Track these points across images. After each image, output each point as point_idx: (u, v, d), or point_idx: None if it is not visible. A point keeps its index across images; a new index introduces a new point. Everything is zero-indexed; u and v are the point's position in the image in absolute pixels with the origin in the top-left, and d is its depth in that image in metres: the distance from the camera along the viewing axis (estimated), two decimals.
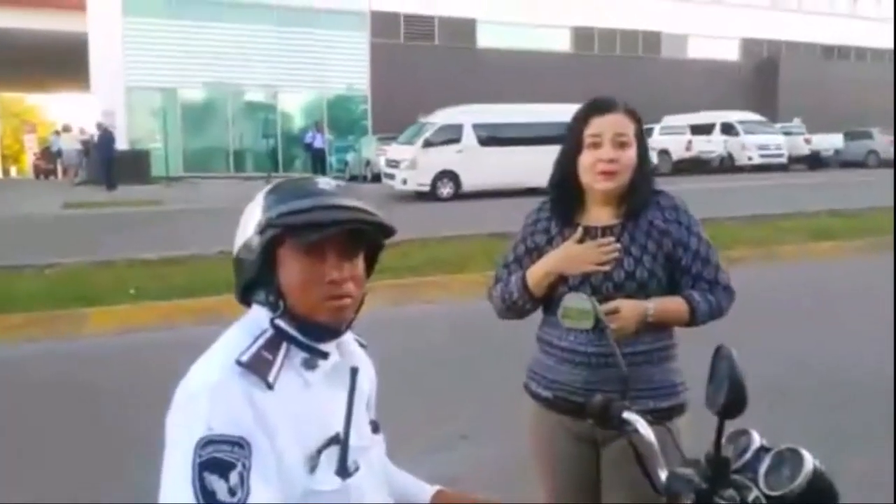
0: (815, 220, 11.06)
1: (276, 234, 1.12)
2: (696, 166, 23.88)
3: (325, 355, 1.16)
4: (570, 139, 1.90)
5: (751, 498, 1.23)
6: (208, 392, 1.02)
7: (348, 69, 26.10)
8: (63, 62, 24.45)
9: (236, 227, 1.22)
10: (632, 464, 1.44)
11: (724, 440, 1.33)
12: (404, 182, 16.41)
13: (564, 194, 1.95)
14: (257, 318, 1.15)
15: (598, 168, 1.84)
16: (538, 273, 1.91)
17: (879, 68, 33.53)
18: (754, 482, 1.26)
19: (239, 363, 1.05)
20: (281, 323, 1.13)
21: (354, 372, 1.18)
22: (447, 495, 1.39)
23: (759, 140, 24.53)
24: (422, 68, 25.75)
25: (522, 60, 27.29)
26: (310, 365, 1.14)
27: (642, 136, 1.89)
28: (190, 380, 1.07)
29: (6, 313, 6.07)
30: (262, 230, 1.12)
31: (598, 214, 1.92)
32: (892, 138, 26.28)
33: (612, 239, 1.87)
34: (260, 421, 1.02)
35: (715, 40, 31.71)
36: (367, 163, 22.20)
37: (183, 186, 19.08)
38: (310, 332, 1.14)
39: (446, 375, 4.85)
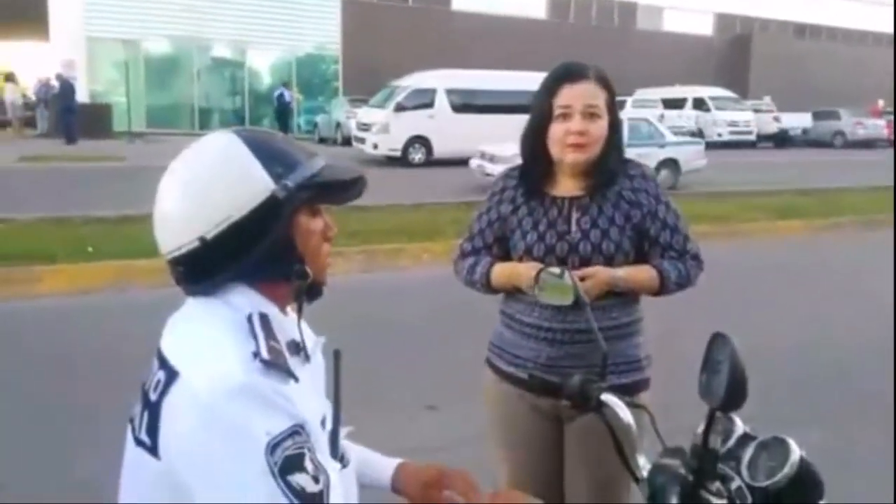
0: (781, 198, 11.17)
1: (309, 197, 1.06)
2: None
3: (297, 346, 1.09)
4: (539, 108, 1.84)
5: (733, 487, 1.18)
6: (245, 397, 0.93)
7: (319, 28, 25.49)
8: (21, 9, 23.40)
9: None
10: (597, 441, 1.39)
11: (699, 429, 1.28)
12: (375, 146, 16.18)
13: (533, 164, 1.90)
14: (237, 304, 1.03)
15: (567, 140, 1.80)
16: (501, 278, 1.89)
17: (850, 49, 33.90)
18: (737, 471, 1.20)
19: (262, 360, 0.96)
20: (259, 304, 1.04)
21: (338, 355, 1.14)
22: (409, 468, 1.32)
23: (730, 116, 24.68)
24: (394, 30, 25.28)
25: (497, 25, 26.95)
26: (294, 351, 1.07)
27: (613, 106, 1.84)
28: (205, 388, 0.94)
29: None
30: (288, 193, 1.03)
31: (567, 185, 1.88)
32: (859, 120, 26.68)
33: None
34: (296, 408, 0.98)
35: (690, 14, 31.66)
36: (338, 125, 21.80)
37: (145, 142, 18.54)
38: (310, 296, 1.10)
39: (415, 344, 4.78)
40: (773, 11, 33.04)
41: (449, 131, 15.90)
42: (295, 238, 1.06)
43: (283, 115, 22.53)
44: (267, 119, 25.05)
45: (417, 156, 16.24)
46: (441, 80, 16.70)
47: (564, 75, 1.81)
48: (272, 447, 0.92)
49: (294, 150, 1.09)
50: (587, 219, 1.82)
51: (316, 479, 0.95)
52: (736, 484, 1.18)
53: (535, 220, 1.87)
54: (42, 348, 4.53)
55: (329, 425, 1.11)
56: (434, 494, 1.25)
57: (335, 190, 1.10)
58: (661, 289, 1.84)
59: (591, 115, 1.78)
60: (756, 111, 25.72)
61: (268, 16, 24.31)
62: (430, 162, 16.08)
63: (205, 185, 1.02)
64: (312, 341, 1.14)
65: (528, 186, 1.90)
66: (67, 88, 18.54)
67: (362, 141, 16.65)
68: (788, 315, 5.66)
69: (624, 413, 1.39)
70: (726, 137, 24.30)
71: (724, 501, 1.09)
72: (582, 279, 1.71)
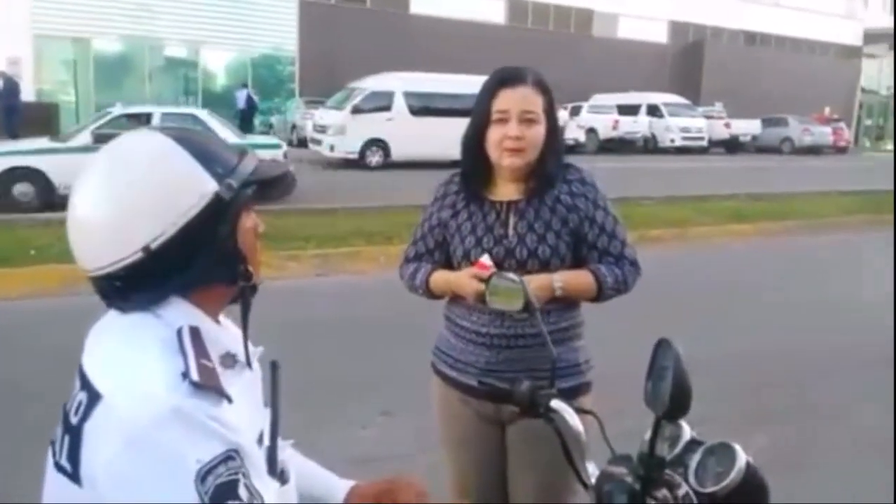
0: (732, 202, 11.42)
1: (249, 196, 1.02)
2: (621, 146, 24.34)
3: (232, 358, 1.04)
4: (478, 112, 1.83)
5: (680, 493, 1.18)
6: (173, 422, 0.87)
7: (276, 28, 25.16)
8: None
9: None
10: (540, 444, 1.38)
11: (647, 435, 1.27)
12: (332, 148, 16.04)
13: (473, 168, 1.89)
14: (166, 317, 0.97)
15: (504, 145, 1.79)
16: (440, 283, 1.90)
17: (798, 57, 34.90)
18: (684, 477, 1.20)
19: (191, 382, 0.89)
20: (190, 316, 0.98)
21: (275, 367, 1.09)
22: (361, 488, 1.28)
23: (682, 123, 25.19)
24: (352, 32, 25.13)
25: (455, 29, 27.01)
26: (227, 363, 1.01)
27: (552, 110, 1.83)
28: (130, 413, 0.87)
29: None
30: (233, 192, 0.98)
31: (506, 190, 1.87)
32: (806, 126, 27.50)
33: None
34: (229, 428, 0.91)
35: (645, 21, 32.21)
36: (293, 126, 21.61)
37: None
38: (243, 299, 1.06)
39: (369, 349, 4.73)
40: (725, 20, 33.85)
41: (407, 134, 15.86)
42: (238, 239, 1.02)
43: (248, 116, 22.12)
44: (224, 119, 24.64)
45: (375, 158, 16.14)
46: (399, 82, 16.63)
47: (502, 80, 1.81)
48: (203, 475, 0.86)
49: (226, 148, 1.05)
50: (524, 223, 1.82)
51: None
52: (683, 490, 1.18)
53: (474, 225, 1.87)
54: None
55: (266, 441, 1.06)
56: None
57: (271, 186, 1.06)
58: (599, 294, 1.83)
59: (528, 120, 1.78)
60: (708, 117, 26.31)
61: (223, 15, 23.93)
62: (388, 164, 16.01)
63: (144, 191, 0.94)
64: (251, 350, 1.09)
65: (467, 191, 1.90)
66: (11, 86, 17.96)
67: (318, 143, 16.48)
68: (740, 318, 5.76)
69: (573, 420, 1.38)
70: (679, 143, 24.81)
71: None
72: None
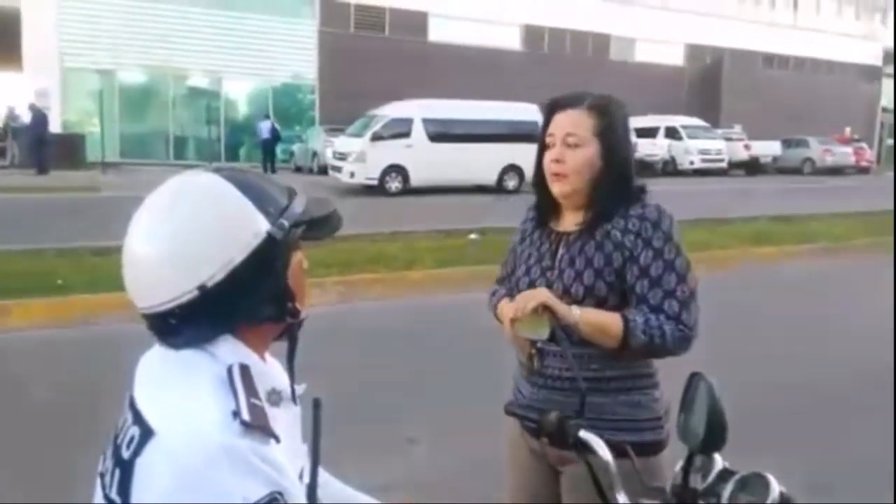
0: (754, 224, 11.32)
1: (300, 235, 1.05)
2: (640, 169, 23.81)
3: (278, 394, 1.06)
4: (539, 139, 1.80)
5: None
6: (224, 461, 0.89)
7: (296, 57, 25.61)
8: None
9: None
10: (591, 491, 1.35)
11: (678, 466, 1.27)
12: (352, 175, 16.19)
13: (540, 196, 1.85)
14: (218, 354, 0.99)
15: (550, 169, 1.74)
16: (501, 312, 1.81)
17: (817, 78, 34.74)
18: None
19: (242, 422, 0.92)
20: (240, 354, 1.00)
21: (318, 404, 1.09)
22: None
23: (701, 145, 25.14)
24: (371, 60, 25.44)
25: (473, 56, 27.25)
26: (274, 400, 1.03)
27: (611, 134, 1.71)
28: (183, 451, 0.90)
29: None
30: (285, 233, 1.01)
31: (567, 220, 1.80)
32: (827, 147, 27.30)
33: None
34: (276, 468, 0.94)
35: (661, 45, 32.30)
36: (314, 154, 21.84)
37: (119, 173, 18.37)
38: (290, 335, 1.09)
39: (393, 376, 4.72)
40: (743, 42, 33.84)
41: (425, 160, 15.98)
42: (287, 276, 1.04)
43: (271, 146, 22.41)
44: (243, 149, 25.00)
45: (394, 184, 16.26)
46: (418, 109, 16.78)
47: (555, 104, 1.78)
48: None
49: (276, 188, 1.07)
50: (568, 257, 1.74)
51: None
52: None
53: (530, 253, 1.84)
54: (9, 381, 4.41)
55: (307, 478, 1.07)
56: None
57: (320, 225, 1.09)
58: (625, 338, 1.62)
59: (569, 143, 1.70)
60: (727, 139, 26.23)
61: (244, 46, 24.39)
62: (407, 191, 16.11)
63: (200, 230, 0.97)
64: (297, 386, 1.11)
65: (536, 218, 1.87)
66: (40, 118, 18.36)
67: (339, 170, 16.65)
68: (766, 342, 5.70)
69: (602, 451, 1.38)
70: (698, 165, 24.74)
71: None
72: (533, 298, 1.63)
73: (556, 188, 1.74)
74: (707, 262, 8.46)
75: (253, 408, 0.93)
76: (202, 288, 0.96)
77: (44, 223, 9.74)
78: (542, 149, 1.78)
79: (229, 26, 24.13)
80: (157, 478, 0.90)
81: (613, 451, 1.40)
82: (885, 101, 37.44)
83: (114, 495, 0.95)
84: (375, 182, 16.11)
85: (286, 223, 1.01)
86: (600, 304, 1.69)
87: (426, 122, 16.56)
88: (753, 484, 1.19)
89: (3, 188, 14.00)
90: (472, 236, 9.49)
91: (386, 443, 3.75)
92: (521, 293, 1.69)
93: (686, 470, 1.12)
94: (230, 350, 1.00)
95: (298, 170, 22.98)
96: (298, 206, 1.05)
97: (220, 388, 0.95)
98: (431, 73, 24.92)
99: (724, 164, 25.28)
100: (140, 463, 0.92)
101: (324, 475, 1.19)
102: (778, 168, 26.93)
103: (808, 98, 32.45)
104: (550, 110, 1.78)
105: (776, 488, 1.16)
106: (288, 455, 0.99)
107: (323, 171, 19.36)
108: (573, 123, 1.71)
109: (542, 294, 1.64)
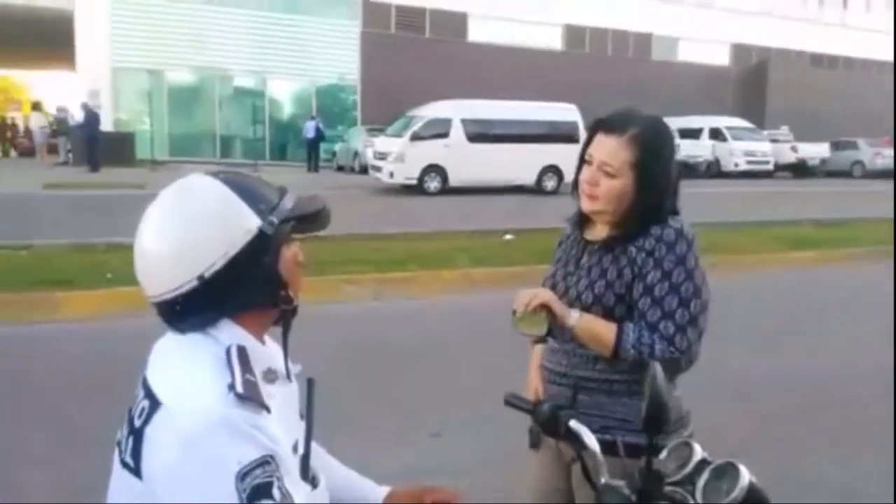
0: (796, 228, 11.15)
1: (290, 228, 1.17)
2: (683, 171, 23.84)
3: (274, 373, 1.18)
4: (581, 151, 1.87)
5: None
6: (220, 429, 1.03)
7: (338, 58, 26.00)
8: (49, 39, 24.11)
9: None
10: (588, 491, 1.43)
11: (662, 455, 1.36)
12: (391, 175, 16.38)
13: (578, 204, 1.92)
14: (218, 337, 1.13)
15: (583, 187, 1.83)
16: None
17: (867, 78, 33.81)
18: (692, 494, 1.28)
19: (237, 395, 1.05)
20: (238, 336, 1.14)
21: (311, 384, 1.23)
22: (397, 491, 1.41)
23: (747, 146, 24.70)
24: (412, 60, 25.69)
25: (513, 56, 27.30)
26: (269, 378, 1.17)
27: (647, 164, 1.76)
28: (185, 420, 1.04)
29: None
30: (275, 228, 1.14)
31: (596, 229, 1.89)
32: (878, 150, 26.55)
33: None
34: (268, 436, 1.06)
35: (705, 44, 31.85)
36: (356, 154, 22.13)
37: (168, 170, 18.91)
38: (284, 320, 1.20)
39: (421, 371, 4.85)
40: (790, 41, 33.15)
41: (464, 160, 16.10)
42: (279, 268, 1.17)
43: (315, 145, 22.83)
44: (290, 147, 25.43)
45: (433, 184, 16.41)
46: (457, 110, 16.91)
47: (599, 124, 1.83)
48: (242, 475, 1.01)
49: (268, 188, 1.20)
50: (587, 266, 1.84)
51: None
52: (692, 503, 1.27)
53: (561, 256, 1.95)
54: (60, 372, 4.67)
55: (301, 449, 1.20)
56: None
57: (309, 221, 1.22)
58: (617, 347, 1.72)
59: (605, 172, 1.76)
60: (773, 141, 25.72)
61: (288, 46, 24.88)
62: (446, 190, 16.25)
63: (198, 227, 1.10)
64: (290, 367, 1.24)
65: (574, 223, 1.96)
66: (92, 117, 19.01)
67: (378, 169, 16.87)
68: (796, 343, 5.67)
69: (589, 440, 1.48)
70: (743, 167, 24.33)
71: None
72: (535, 297, 1.74)
73: (587, 206, 1.83)
74: (742, 265, 8.42)
75: (247, 382, 1.07)
76: (201, 278, 1.09)
77: (95, 218, 10.13)
78: (582, 161, 1.85)
79: (274, 27, 24.65)
80: (163, 443, 1.04)
81: (605, 448, 1.48)
82: None
83: (128, 459, 1.09)
84: (415, 182, 16.28)
85: (276, 220, 1.14)
86: (607, 313, 1.76)
87: (465, 122, 16.66)
88: (726, 472, 1.28)
89: (58, 184, 14.58)
90: (507, 237, 9.57)
91: (409, 436, 3.88)
92: (526, 291, 1.79)
93: (648, 455, 1.22)
94: (229, 333, 1.13)
95: (340, 169, 23.32)
96: (288, 204, 1.17)
97: (218, 366, 1.08)
98: (472, 74, 25.05)
99: (769, 167, 24.80)
100: (149, 431, 1.06)
101: (327, 457, 1.33)
102: (827, 171, 26.28)
103: (858, 99, 31.61)
104: (594, 129, 1.84)
105: (745, 477, 1.25)
106: (283, 427, 1.13)
107: (364, 170, 19.64)
108: (611, 153, 1.76)
109: (543, 295, 1.75)
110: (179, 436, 1.03)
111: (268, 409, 1.08)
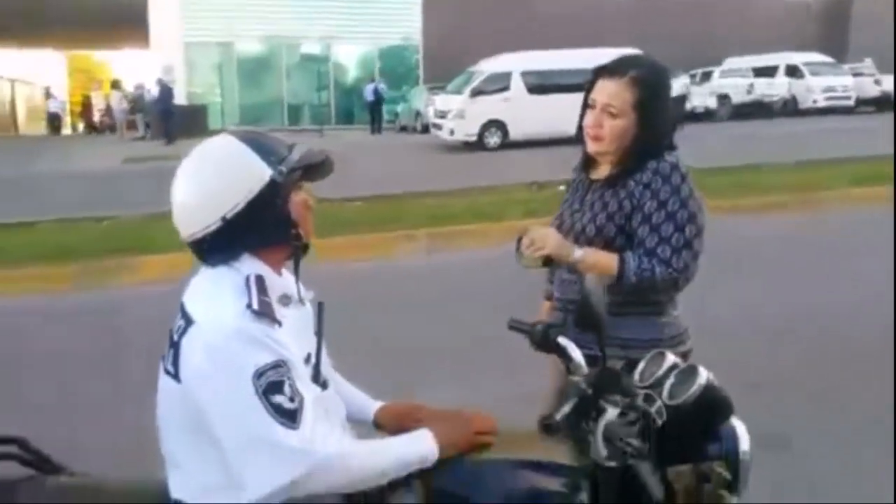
0: (865, 164, 10.64)
1: (298, 177, 1.40)
2: (757, 110, 23.05)
3: (288, 298, 1.42)
4: (584, 97, 2.01)
5: (654, 407, 1.41)
6: (237, 337, 1.26)
7: (401, 18, 25.91)
8: (125, 19, 25.06)
9: None
10: None
11: (642, 364, 1.50)
12: (452, 132, 16.44)
13: (583, 147, 2.08)
14: (240, 268, 1.37)
15: (587, 131, 1.98)
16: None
17: None
18: (659, 394, 1.42)
19: (252, 311, 1.29)
20: (257, 268, 1.37)
21: (321, 305, 1.48)
22: (388, 406, 1.62)
23: (826, 82, 23.45)
24: (475, 16, 25.37)
25: (577, 5, 26.55)
26: (284, 302, 1.41)
27: (647, 104, 1.90)
28: (210, 332, 1.28)
29: (60, 263, 6.51)
30: (284, 176, 1.37)
31: (601, 169, 2.05)
32: None
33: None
34: (280, 345, 1.30)
35: None
36: (417, 114, 22.22)
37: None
38: (297, 255, 1.43)
39: (478, 321, 4.99)
40: None
41: (524, 114, 15.94)
42: (290, 211, 1.40)
43: (376, 107, 23.10)
44: (357, 110, 25.61)
45: (493, 139, 16.36)
46: (516, 62, 16.69)
47: (600, 70, 1.97)
48: (258, 374, 1.26)
49: (279, 143, 1.45)
50: (590, 202, 2.00)
51: (292, 400, 1.26)
52: (657, 404, 1.41)
53: (568, 197, 2.13)
54: (146, 330, 5.06)
55: (313, 359, 1.44)
56: (406, 424, 1.52)
57: (314, 170, 1.46)
58: (620, 276, 1.88)
59: (609, 113, 1.90)
60: (856, 75, 24.30)
61: (351, 11, 24.93)
62: (506, 145, 16.18)
63: (219, 177, 1.36)
64: (304, 291, 1.49)
65: (580, 165, 2.13)
66: (166, 92, 19.82)
67: (439, 128, 16.95)
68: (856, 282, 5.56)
69: (575, 354, 1.62)
70: (822, 104, 23.13)
71: (618, 409, 1.31)
72: (533, 243, 1.91)
73: (593, 148, 1.99)
74: (806, 203, 8.18)
75: (262, 302, 1.32)
76: (224, 219, 1.35)
77: (170, 188, 10.67)
78: (585, 107, 1.99)
79: None
80: (195, 352, 1.30)
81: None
82: None
83: (169, 367, 1.36)
84: (475, 138, 16.27)
85: (284, 169, 1.38)
86: (608, 243, 1.93)
87: (525, 74, 16.47)
88: (687, 374, 1.41)
89: (137, 158, 15.37)
90: (562, 188, 9.54)
91: (440, 384, 3.98)
92: (534, 234, 1.94)
93: (602, 352, 1.37)
94: (249, 265, 1.39)
95: (403, 129, 23.48)
96: (295, 156, 1.41)
97: (239, 290, 1.34)
98: (538, 25, 24.51)
99: (850, 102, 23.50)
100: (184, 342, 1.32)
101: (331, 368, 1.56)
102: None
103: None
104: (595, 75, 1.98)
105: (703, 376, 1.38)
106: (297, 342, 1.37)
107: (426, 129, 19.72)
108: (613, 95, 1.90)
109: (550, 245, 1.90)
110: (205, 344, 1.28)
111: (279, 324, 1.32)
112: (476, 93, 16.34)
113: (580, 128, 2.02)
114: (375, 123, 22.74)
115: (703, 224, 1.93)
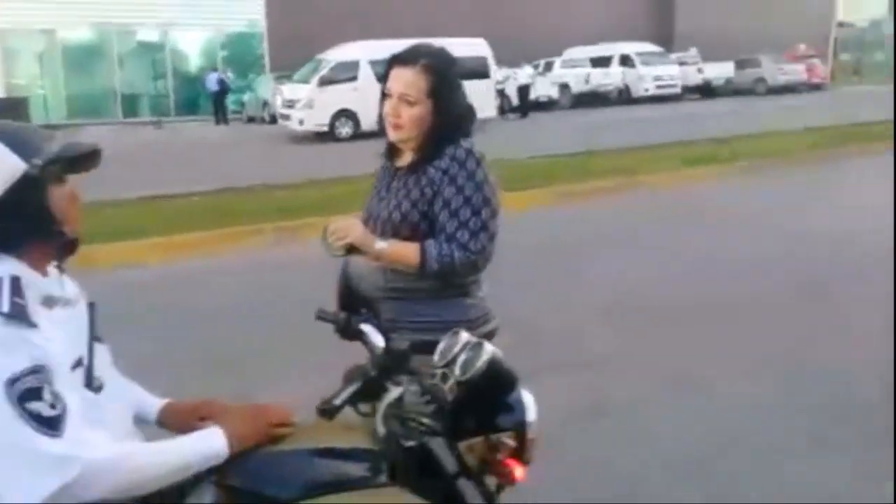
0: (692, 147, 11.58)
1: (57, 171, 1.30)
2: (595, 99, 24.41)
3: (54, 299, 1.32)
4: (381, 88, 2.03)
5: (448, 384, 1.45)
6: None
7: (244, 4, 25.00)
8: None
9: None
10: None
11: (442, 343, 1.53)
12: (301, 122, 16.12)
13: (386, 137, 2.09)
14: None
15: (387, 119, 2.00)
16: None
17: None
18: (452, 371, 1.46)
19: (2, 314, 1.19)
20: (14, 268, 1.26)
21: (92, 306, 1.41)
22: (172, 404, 1.57)
23: (655, 71, 25.25)
24: (320, 2, 24.92)
25: None
26: (49, 303, 1.31)
27: (443, 90, 1.96)
28: None
29: None
30: (40, 169, 1.26)
31: (404, 157, 2.08)
32: (780, 66, 27.44)
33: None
34: (38, 349, 1.21)
35: None
36: (265, 103, 21.57)
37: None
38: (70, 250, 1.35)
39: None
40: None
41: (375, 103, 15.66)
42: (51, 206, 1.30)
43: (220, 98, 22.19)
44: (201, 100, 24.44)
45: (344, 130, 16.21)
46: (364, 51, 16.52)
47: (393, 60, 2.00)
48: (12, 381, 1.16)
49: (35, 135, 1.34)
50: (393, 190, 2.04)
51: (53, 406, 1.18)
52: (451, 380, 1.46)
53: (375, 185, 2.14)
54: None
55: (86, 362, 1.35)
56: (193, 421, 1.47)
57: (76, 162, 1.36)
58: (422, 265, 1.93)
59: (406, 101, 1.94)
60: (682, 64, 26.29)
61: None
62: (359, 135, 16.04)
63: None
64: (74, 291, 1.40)
65: (386, 154, 2.14)
66: None
67: (288, 118, 16.54)
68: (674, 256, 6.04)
69: (374, 337, 1.64)
70: (653, 92, 24.89)
71: (400, 388, 1.34)
72: (336, 232, 1.96)
73: (393, 136, 2.02)
74: (635, 186, 8.78)
75: (14, 304, 1.22)
76: None
77: None
78: (384, 97, 2.01)
79: None
80: None
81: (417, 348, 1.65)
82: (842, 14, 37.40)
83: None
84: (325, 128, 16.04)
85: (39, 161, 1.28)
86: (414, 229, 1.98)
87: (373, 63, 16.33)
88: (475, 351, 1.46)
89: None
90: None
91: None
92: (338, 224, 1.97)
93: (386, 336, 1.39)
94: (6, 266, 1.28)
95: (251, 120, 22.74)
96: (54, 147, 1.31)
97: None
98: (384, 13, 24.49)
99: (677, 90, 25.45)
100: None
101: (115, 373, 1.47)
102: (733, 90, 27.03)
103: (762, 15, 32.17)
104: (389, 65, 2.01)
105: (488, 351, 1.44)
106: (64, 345, 1.28)
107: (274, 120, 19.22)
108: (408, 83, 1.94)
109: (353, 235, 1.95)
110: None
111: (35, 326, 1.22)
112: (324, 82, 16.10)
113: (380, 117, 2.05)
114: (220, 114, 21.82)
115: (497, 207, 2.01)
